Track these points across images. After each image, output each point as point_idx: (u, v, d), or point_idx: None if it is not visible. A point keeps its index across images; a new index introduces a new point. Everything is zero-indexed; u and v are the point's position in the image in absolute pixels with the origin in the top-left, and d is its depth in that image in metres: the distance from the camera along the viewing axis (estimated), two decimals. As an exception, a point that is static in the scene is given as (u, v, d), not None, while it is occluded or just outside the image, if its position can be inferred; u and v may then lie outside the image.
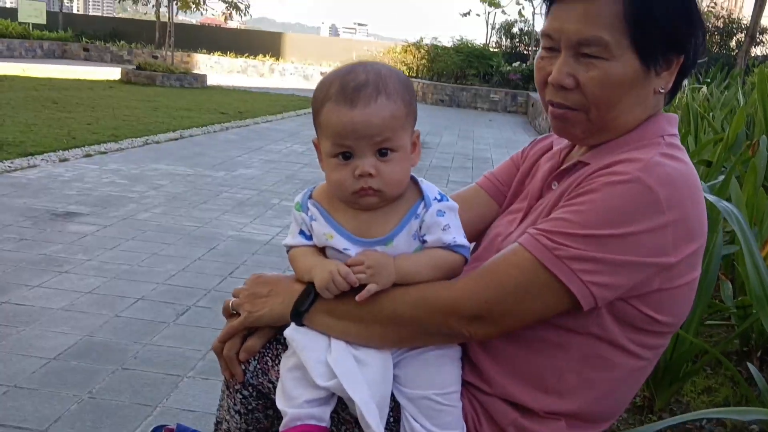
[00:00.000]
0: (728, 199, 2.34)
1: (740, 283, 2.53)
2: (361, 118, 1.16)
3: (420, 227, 1.24)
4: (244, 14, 22.96)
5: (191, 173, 6.48)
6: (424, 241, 1.24)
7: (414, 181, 1.28)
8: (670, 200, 1.11)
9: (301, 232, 1.31)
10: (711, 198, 1.80)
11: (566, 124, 1.27)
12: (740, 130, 3.78)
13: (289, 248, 1.33)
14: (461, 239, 1.25)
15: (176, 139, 8.46)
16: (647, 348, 1.23)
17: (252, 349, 1.31)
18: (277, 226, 4.92)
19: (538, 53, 1.30)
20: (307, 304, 1.24)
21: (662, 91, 1.25)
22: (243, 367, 1.33)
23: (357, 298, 1.19)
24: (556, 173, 1.34)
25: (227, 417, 1.41)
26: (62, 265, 3.72)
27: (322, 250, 1.29)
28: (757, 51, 17.14)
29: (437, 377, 1.22)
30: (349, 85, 1.18)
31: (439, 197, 1.26)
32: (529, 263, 1.14)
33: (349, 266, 1.20)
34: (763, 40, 19.00)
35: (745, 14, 19.01)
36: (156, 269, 3.80)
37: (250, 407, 1.36)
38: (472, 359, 1.27)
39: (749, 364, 1.85)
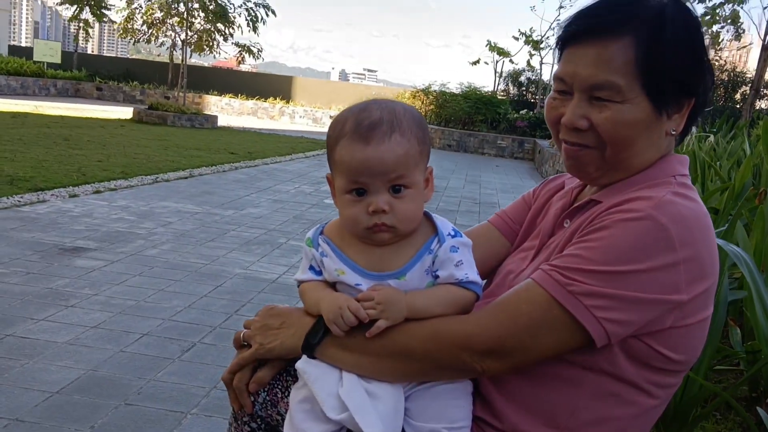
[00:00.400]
0: (736, 245, 2.34)
1: (749, 329, 2.52)
2: (375, 156, 1.18)
3: (433, 262, 1.24)
4: (257, 57, 23.34)
5: (200, 211, 6.52)
6: (436, 276, 1.24)
7: (428, 216, 1.29)
8: (682, 238, 1.11)
9: (311, 268, 1.31)
10: (719, 242, 1.81)
11: (580, 162, 1.28)
12: (747, 179, 3.80)
13: (300, 283, 1.34)
14: (474, 276, 1.26)
15: (186, 178, 8.53)
16: (660, 386, 1.23)
17: (262, 380, 1.31)
18: (284, 264, 4.92)
19: (549, 94, 1.32)
20: (318, 337, 1.24)
21: (674, 132, 1.27)
22: (252, 399, 1.32)
23: (367, 334, 1.19)
24: (568, 211, 1.35)
25: (234, 450, 1.40)
26: (68, 300, 3.72)
27: (332, 286, 1.30)
28: (762, 104, 17.29)
29: (448, 411, 1.21)
30: (363, 123, 1.20)
31: (453, 233, 1.27)
32: (542, 299, 1.14)
33: (359, 301, 1.20)
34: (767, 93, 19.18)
35: (750, 68, 19.24)
36: (162, 305, 3.80)
37: (257, 440, 1.36)
38: (483, 395, 1.26)
39: (759, 409, 1.82)
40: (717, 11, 13.34)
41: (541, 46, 21.73)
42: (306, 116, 24.40)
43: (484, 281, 1.45)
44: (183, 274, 4.43)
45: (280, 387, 1.32)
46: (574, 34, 1.25)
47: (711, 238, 1.18)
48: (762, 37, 11.76)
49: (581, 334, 1.13)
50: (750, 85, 14.91)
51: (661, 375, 1.21)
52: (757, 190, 4.04)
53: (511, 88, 23.63)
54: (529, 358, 1.17)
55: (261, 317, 1.34)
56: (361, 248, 1.26)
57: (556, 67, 1.30)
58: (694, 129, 1.36)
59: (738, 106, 16.46)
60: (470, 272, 1.25)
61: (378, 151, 1.18)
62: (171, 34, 21.76)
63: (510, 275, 1.37)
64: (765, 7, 12.96)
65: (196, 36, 21.38)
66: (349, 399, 1.18)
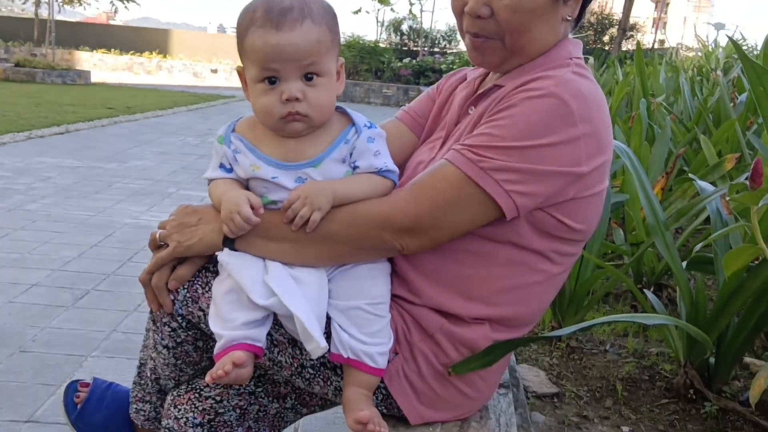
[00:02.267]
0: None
1: (630, 229, 2.73)
2: (287, 41, 1.17)
3: (351, 153, 1.26)
4: (127, 6, 21.99)
5: (80, 165, 6.22)
6: (355, 167, 1.27)
7: (341, 110, 1.31)
8: (582, 113, 1.18)
9: (221, 165, 1.30)
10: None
11: (484, 53, 1.33)
12: (620, 102, 4.04)
13: (210, 181, 1.32)
14: (391, 164, 1.29)
15: (62, 133, 8.08)
16: (562, 255, 1.32)
17: (183, 277, 1.29)
18: (176, 213, 4.80)
19: None
20: None
21: (569, 18, 1.32)
22: (172, 297, 1.31)
23: (307, 230, 1.21)
24: (472, 99, 1.40)
25: (153, 354, 1.39)
26: (-55, 256, 3.50)
27: (246, 182, 1.29)
28: (628, 45, 18.23)
29: (367, 288, 1.25)
30: (274, 10, 1.18)
31: (368, 124, 1.29)
32: (455, 177, 1.19)
33: (286, 208, 1.21)
34: (633, 35, 20.24)
35: (616, 11, 20.19)
36: (50, 257, 3.64)
37: (179, 340, 1.35)
38: (400, 273, 1.31)
39: (646, 291, 1.99)
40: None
41: (421, -7, 21.78)
42: (185, 70, 23.45)
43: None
44: (69, 226, 4.24)
45: (200, 283, 1.31)
46: None
47: (607, 115, 1.26)
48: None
49: (493, 208, 1.19)
50: (617, 26, 15.64)
51: (563, 243, 1.30)
52: (629, 113, 4.31)
53: (394, 36, 23.65)
54: (445, 233, 1.22)
55: (177, 216, 1.33)
56: (275, 142, 1.26)
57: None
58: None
59: (606, 48, 17.27)
60: (388, 161, 1.29)
61: (290, 37, 1.17)
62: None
63: (420, 165, 1.41)
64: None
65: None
66: (275, 284, 1.20)
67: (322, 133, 1.27)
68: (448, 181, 1.20)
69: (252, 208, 1.21)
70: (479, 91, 1.39)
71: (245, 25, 1.21)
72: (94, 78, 17.27)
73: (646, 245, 2.00)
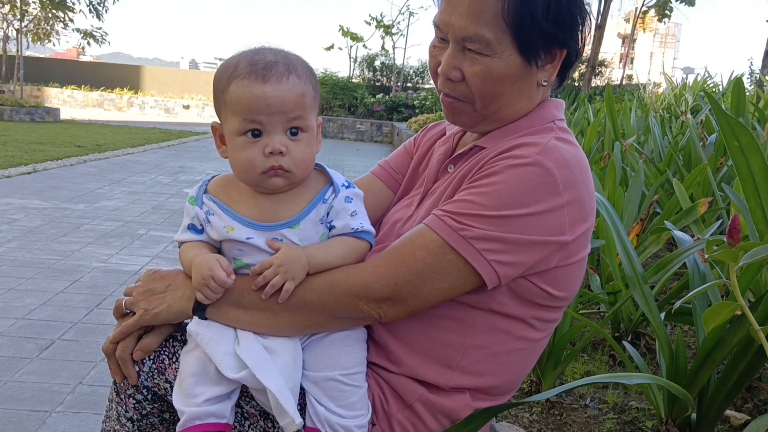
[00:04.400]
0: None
1: (607, 276, 2.72)
2: (274, 93, 1.14)
3: (328, 213, 1.23)
4: (102, 42, 21.87)
5: (48, 206, 6.10)
6: (331, 227, 1.23)
7: (320, 167, 1.27)
8: (565, 182, 1.15)
9: (191, 227, 1.25)
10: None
11: (455, 113, 1.31)
12: (593, 142, 4.08)
13: (180, 244, 1.27)
14: (367, 225, 1.25)
15: (29, 173, 7.96)
16: (544, 321, 1.28)
17: (149, 347, 1.23)
18: (146, 255, 4.71)
19: (431, 41, 1.32)
20: None
21: (545, 84, 1.29)
22: (137, 369, 1.25)
23: (279, 299, 1.16)
24: (451, 157, 1.37)
25: (116, 427, 1.32)
26: None
27: (219, 244, 1.25)
28: (597, 81, 18.58)
29: (342, 358, 1.20)
30: (258, 63, 1.15)
31: (347, 184, 1.26)
32: (435, 244, 1.15)
33: (258, 272, 1.17)
34: (601, 71, 20.65)
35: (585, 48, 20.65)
36: (14, 304, 3.53)
37: (144, 412, 1.28)
38: (377, 341, 1.27)
39: (624, 342, 1.97)
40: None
41: (393, 30, 22.08)
42: (157, 107, 23.41)
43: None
44: (35, 271, 4.13)
45: (167, 353, 1.25)
46: None
47: (590, 181, 1.23)
48: (594, 17, 12.61)
49: (474, 276, 1.15)
50: (586, 63, 15.95)
51: (545, 311, 1.26)
52: (601, 154, 4.35)
53: (366, 72, 23.88)
54: (425, 302, 1.18)
55: (144, 282, 1.27)
56: (251, 202, 1.22)
57: (436, 11, 1.28)
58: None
59: (576, 84, 17.56)
60: (364, 222, 1.25)
61: (277, 89, 1.14)
62: (4, 24, 20.08)
63: (398, 224, 1.38)
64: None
65: (32, 24, 19.84)
66: (247, 356, 1.14)
67: (299, 191, 1.23)
68: (428, 248, 1.15)
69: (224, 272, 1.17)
70: (458, 150, 1.36)
71: (226, 77, 1.17)
72: (64, 115, 17.19)
73: (625, 298, 1.98)
